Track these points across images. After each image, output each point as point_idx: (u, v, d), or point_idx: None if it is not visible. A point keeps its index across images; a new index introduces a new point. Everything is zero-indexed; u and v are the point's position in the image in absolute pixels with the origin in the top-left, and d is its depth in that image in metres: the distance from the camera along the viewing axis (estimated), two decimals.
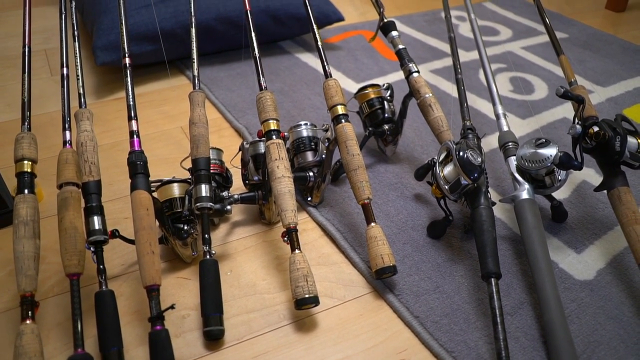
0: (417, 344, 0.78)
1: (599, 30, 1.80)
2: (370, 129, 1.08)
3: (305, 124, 1.01)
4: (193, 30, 0.98)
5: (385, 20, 1.10)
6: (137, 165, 0.80)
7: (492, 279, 0.77)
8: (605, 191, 0.91)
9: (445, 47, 1.63)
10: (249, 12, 1.00)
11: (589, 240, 0.95)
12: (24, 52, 0.88)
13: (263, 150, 0.93)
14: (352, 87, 1.38)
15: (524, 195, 0.89)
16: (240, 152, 0.96)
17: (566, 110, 1.33)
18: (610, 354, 0.76)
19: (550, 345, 0.75)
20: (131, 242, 0.80)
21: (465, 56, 1.56)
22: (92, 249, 0.77)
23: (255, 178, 0.94)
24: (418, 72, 1.04)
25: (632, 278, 0.88)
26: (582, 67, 1.54)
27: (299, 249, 0.80)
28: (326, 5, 1.57)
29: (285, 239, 0.81)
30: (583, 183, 1.09)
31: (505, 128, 1.01)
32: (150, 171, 0.81)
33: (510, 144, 0.97)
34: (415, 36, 1.71)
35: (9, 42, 1.62)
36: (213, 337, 0.76)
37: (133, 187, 0.79)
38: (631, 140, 0.89)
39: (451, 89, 1.38)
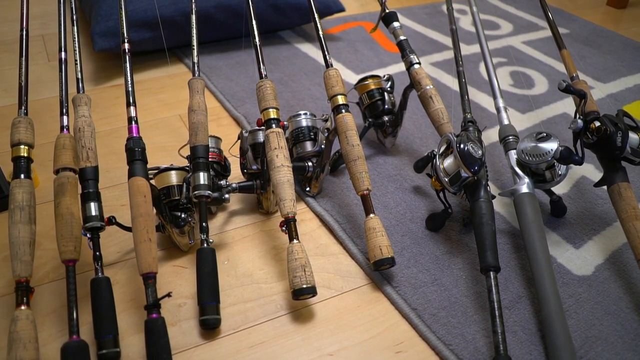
0: (415, 336, 0.78)
1: (599, 27, 1.79)
2: (370, 120, 1.08)
3: (305, 114, 1.00)
4: (193, 17, 0.97)
5: (387, 10, 1.09)
6: (135, 152, 0.79)
7: (491, 272, 0.77)
8: (604, 187, 0.91)
9: (446, 40, 1.62)
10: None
11: (587, 235, 0.95)
12: (21, 36, 0.87)
13: (262, 139, 0.92)
14: (352, 78, 1.37)
15: (524, 189, 0.89)
16: (239, 140, 0.95)
17: (566, 105, 1.32)
18: (608, 349, 0.76)
19: (548, 339, 0.75)
20: (128, 229, 0.79)
21: (465, 50, 1.55)
22: (88, 235, 0.76)
23: (254, 167, 0.93)
24: (419, 63, 1.03)
25: (631, 274, 0.87)
26: (583, 63, 1.54)
27: (297, 239, 0.79)
28: None
29: (284, 228, 0.81)
30: (582, 179, 1.08)
31: (505, 121, 1.01)
32: (148, 159, 0.80)
33: (510, 137, 0.97)
34: (415, 28, 1.71)
35: (6, 26, 1.60)
36: (209, 326, 0.76)
37: (131, 174, 0.78)
38: (632, 136, 0.88)
39: (451, 82, 1.37)
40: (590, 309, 0.82)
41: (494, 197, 0.89)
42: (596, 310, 0.82)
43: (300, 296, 0.77)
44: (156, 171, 0.87)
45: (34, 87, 1.26)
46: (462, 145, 0.83)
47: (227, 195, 0.88)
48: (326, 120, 0.98)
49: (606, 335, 0.78)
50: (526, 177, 0.90)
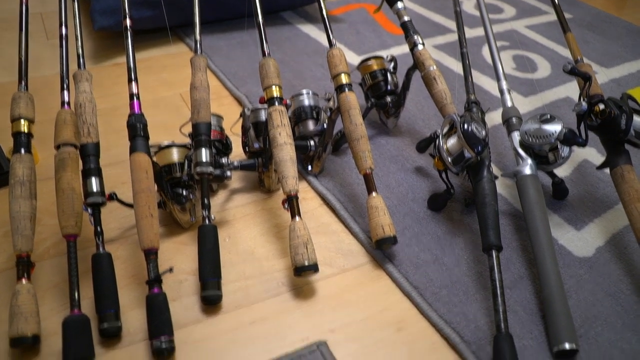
0: (416, 314, 0.78)
1: (603, 12, 1.78)
2: (372, 100, 1.07)
3: (307, 93, 0.99)
4: None
5: None
6: (137, 128, 0.79)
7: (493, 251, 0.77)
8: (607, 170, 0.91)
9: (448, 23, 1.61)
10: None
11: (588, 218, 0.95)
12: (21, 11, 0.86)
13: (264, 118, 0.92)
14: (354, 60, 1.36)
15: (527, 170, 0.89)
16: (241, 118, 0.95)
17: (569, 89, 1.32)
18: (608, 329, 0.76)
19: (548, 318, 0.75)
20: (129, 205, 0.79)
21: (468, 33, 1.54)
22: (89, 210, 0.76)
23: (256, 145, 0.92)
24: (423, 44, 1.02)
25: (631, 256, 0.88)
26: (586, 48, 1.53)
27: (300, 216, 0.79)
28: None
29: (286, 206, 0.80)
30: (584, 162, 1.08)
31: (509, 104, 1.00)
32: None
33: (514, 119, 0.96)
34: (418, 11, 1.69)
35: (4, 4, 1.58)
36: (210, 301, 0.76)
37: (132, 150, 0.78)
38: (636, 119, 0.88)
39: (455, 65, 1.36)
40: (591, 290, 0.82)
41: (496, 177, 0.88)
42: (596, 291, 0.82)
43: (302, 273, 0.77)
44: (157, 149, 0.87)
45: (33, 65, 1.23)
46: (465, 126, 0.83)
47: (228, 173, 0.88)
48: (329, 100, 0.98)
49: (606, 316, 0.78)
50: (529, 158, 0.90)
